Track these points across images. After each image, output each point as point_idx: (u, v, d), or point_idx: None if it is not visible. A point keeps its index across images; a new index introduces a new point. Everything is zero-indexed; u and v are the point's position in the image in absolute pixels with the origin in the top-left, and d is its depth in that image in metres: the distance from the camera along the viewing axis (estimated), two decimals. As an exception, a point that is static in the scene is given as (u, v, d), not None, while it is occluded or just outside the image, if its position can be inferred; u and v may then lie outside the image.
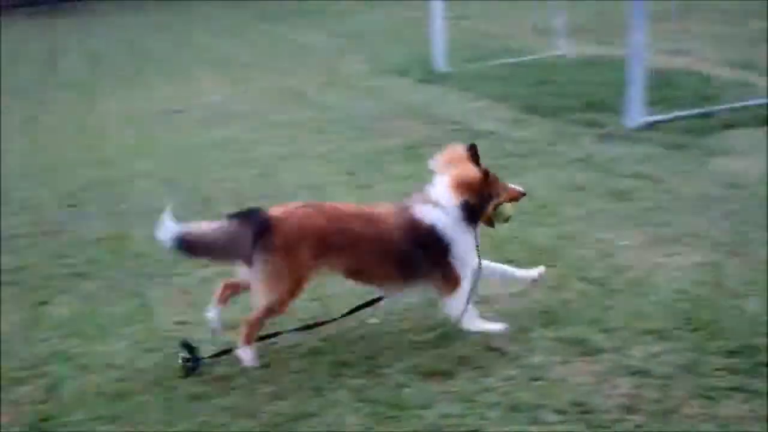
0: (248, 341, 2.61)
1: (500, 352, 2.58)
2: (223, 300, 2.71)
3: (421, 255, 2.63)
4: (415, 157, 4.98)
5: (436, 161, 2.73)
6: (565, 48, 7.62)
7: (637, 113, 5.03)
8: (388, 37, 10.74)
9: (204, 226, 2.63)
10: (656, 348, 2.49)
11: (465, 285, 2.66)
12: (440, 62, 7.68)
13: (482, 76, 7.18)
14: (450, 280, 2.66)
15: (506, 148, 4.99)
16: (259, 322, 2.61)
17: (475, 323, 2.68)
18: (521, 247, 3.38)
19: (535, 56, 7.74)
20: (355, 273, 2.71)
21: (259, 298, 2.58)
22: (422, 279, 2.68)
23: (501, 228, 2.87)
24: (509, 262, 3.21)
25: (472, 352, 2.59)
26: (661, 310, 2.72)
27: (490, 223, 2.76)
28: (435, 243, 2.62)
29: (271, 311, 2.60)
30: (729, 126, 4.89)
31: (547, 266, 2.97)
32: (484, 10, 12.19)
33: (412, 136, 5.55)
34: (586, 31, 8.99)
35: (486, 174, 2.65)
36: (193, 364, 2.60)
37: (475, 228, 2.67)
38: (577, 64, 7.20)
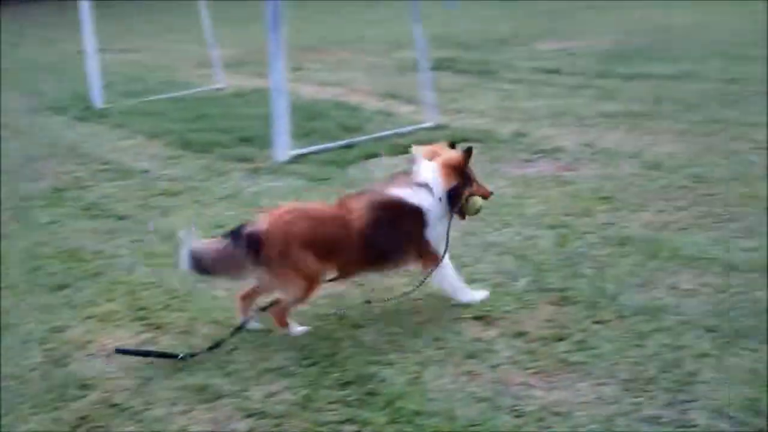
0: (283, 324, 2.84)
1: (120, 408, 2.48)
2: (246, 310, 2.89)
3: (403, 236, 2.87)
4: (61, 201, 4.71)
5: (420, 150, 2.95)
6: (224, 81, 7.71)
7: (284, 146, 5.18)
8: (48, 72, 10.12)
9: (209, 247, 2.80)
10: (275, 387, 2.52)
11: (446, 260, 2.91)
12: (98, 98, 7.38)
13: (140, 111, 7.04)
14: (430, 257, 2.90)
15: (158, 186, 4.89)
16: (284, 311, 2.85)
17: (466, 294, 2.95)
18: (155, 293, 3.30)
19: (194, 90, 7.73)
20: (344, 267, 2.88)
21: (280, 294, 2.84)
22: (403, 259, 2.93)
23: (471, 220, 3.01)
24: (143, 309, 3.14)
25: (91, 411, 2.46)
26: (283, 347, 2.78)
27: (462, 214, 2.91)
28: (418, 223, 2.85)
29: (293, 305, 2.84)
30: (370, 156, 5.21)
31: (181, 311, 2.93)
32: (152, 43, 11.98)
33: (61, 178, 5.23)
34: (246, 64, 9.18)
35: (469, 152, 2.87)
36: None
37: (452, 214, 2.88)
38: (233, 98, 7.32)
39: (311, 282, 2.81)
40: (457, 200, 2.88)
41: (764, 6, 10.25)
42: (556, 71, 7.86)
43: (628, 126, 5.50)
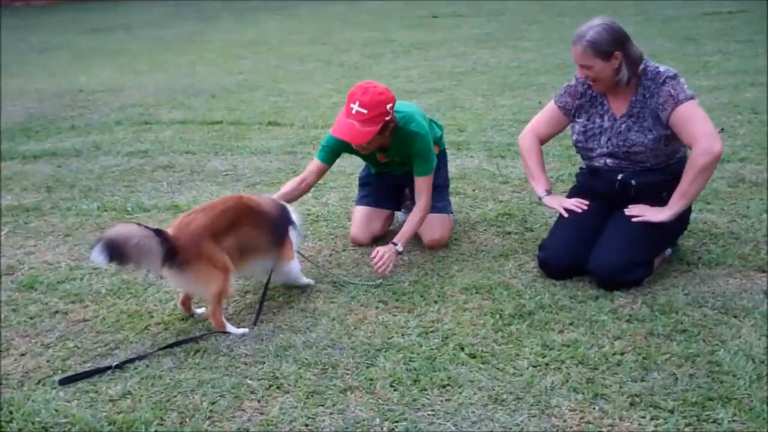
0: (220, 324, 3.36)
1: None
2: (188, 308, 3.56)
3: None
4: None
5: None
6: None
7: None
8: None
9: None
10: None
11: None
12: None
13: None
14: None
15: None
16: (217, 311, 3.34)
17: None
18: None
19: None
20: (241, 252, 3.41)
21: (203, 294, 3.36)
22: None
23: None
24: None
25: None
26: None
27: None
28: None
29: (220, 299, 3.33)
30: None
31: None
32: None
33: None
34: None
35: None
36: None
37: None
38: None
39: (224, 271, 3.30)
40: None
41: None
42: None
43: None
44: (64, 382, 3.02)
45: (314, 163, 4.06)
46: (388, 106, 3.71)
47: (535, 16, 15.68)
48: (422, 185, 3.98)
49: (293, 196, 4.02)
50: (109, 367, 3.10)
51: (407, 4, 19.59)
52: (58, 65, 12.53)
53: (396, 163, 4.22)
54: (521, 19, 15.40)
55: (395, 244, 3.93)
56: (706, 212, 4.56)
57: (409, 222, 4.00)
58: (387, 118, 3.72)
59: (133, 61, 12.63)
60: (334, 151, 4.04)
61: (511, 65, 10.25)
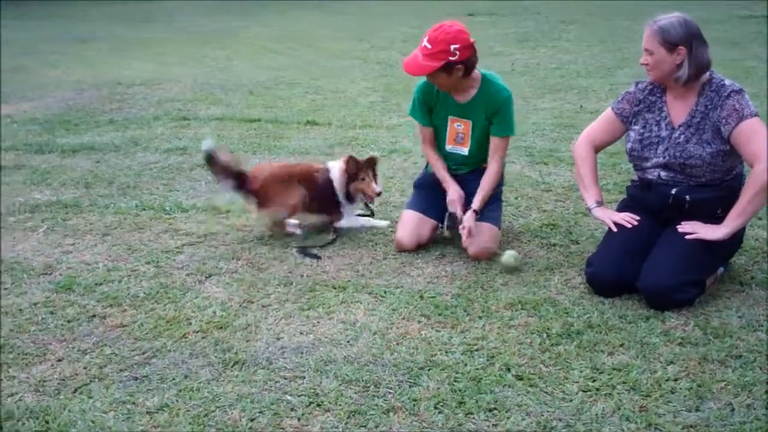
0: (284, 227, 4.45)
1: None
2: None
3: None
4: None
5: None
6: None
7: None
8: None
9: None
10: None
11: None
12: None
13: None
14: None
15: None
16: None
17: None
18: None
19: None
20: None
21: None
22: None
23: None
24: None
25: None
26: None
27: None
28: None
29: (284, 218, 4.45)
30: None
31: None
32: None
33: None
34: None
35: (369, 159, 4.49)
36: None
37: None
38: None
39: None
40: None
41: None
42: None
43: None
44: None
45: (423, 131, 4.36)
46: (453, 47, 3.82)
47: (573, 16, 15.47)
48: (498, 144, 4.16)
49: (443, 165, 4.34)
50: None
51: (445, 1, 19.45)
52: (98, 56, 12.58)
53: (463, 134, 4.26)
54: (559, 19, 15.19)
55: (474, 211, 4.09)
56: (758, 228, 4.41)
57: (483, 186, 4.15)
58: (452, 58, 3.84)
59: (172, 53, 12.65)
60: (422, 106, 4.26)
61: (551, 66, 10.09)
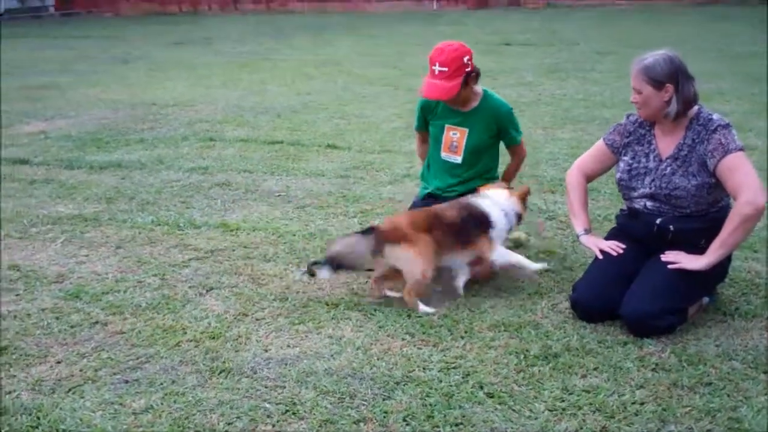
0: (414, 304, 3.85)
1: None
2: (380, 291, 4.01)
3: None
4: None
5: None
6: None
7: None
8: None
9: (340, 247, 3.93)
10: None
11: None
12: None
13: None
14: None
15: None
16: (413, 291, 3.82)
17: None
18: None
19: None
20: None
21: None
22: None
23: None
24: None
25: None
26: None
27: None
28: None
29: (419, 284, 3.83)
30: None
31: None
32: None
33: None
34: None
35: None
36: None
37: None
38: None
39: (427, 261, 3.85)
40: None
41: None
42: (26, 161, 7.30)
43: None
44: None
45: (419, 136, 4.83)
46: (465, 59, 4.22)
47: (611, 47, 15.51)
48: (515, 150, 4.67)
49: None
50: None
51: (483, 30, 19.64)
52: (136, 77, 12.98)
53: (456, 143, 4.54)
54: (594, 50, 15.25)
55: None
56: (752, 261, 4.45)
57: (508, 170, 4.75)
58: (468, 70, 4.22)
59: (208, 75, 13.00)
60: (422, 114, 4.66)
61: (576, 97, 10.17)
